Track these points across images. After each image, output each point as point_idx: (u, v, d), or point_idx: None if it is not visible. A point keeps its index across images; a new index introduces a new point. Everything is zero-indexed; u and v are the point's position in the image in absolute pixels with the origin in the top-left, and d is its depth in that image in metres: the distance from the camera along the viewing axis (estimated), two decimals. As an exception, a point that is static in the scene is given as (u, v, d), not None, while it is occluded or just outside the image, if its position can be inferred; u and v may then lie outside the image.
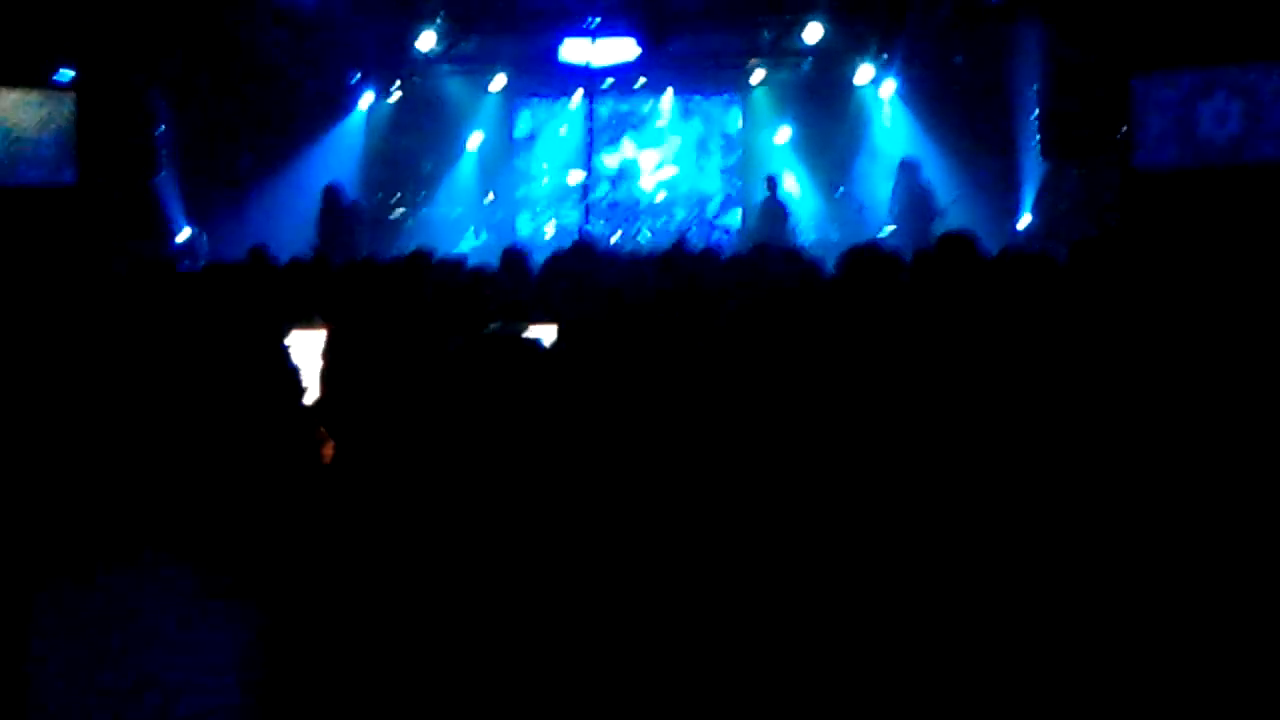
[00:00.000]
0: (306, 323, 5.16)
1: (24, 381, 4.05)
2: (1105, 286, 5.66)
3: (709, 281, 7.58)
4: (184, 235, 16.81)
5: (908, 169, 16.99)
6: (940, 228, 15.41)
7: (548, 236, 20.38)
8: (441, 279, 8.50)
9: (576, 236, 16.47)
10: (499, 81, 20.25)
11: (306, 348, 4.89)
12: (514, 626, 2.44)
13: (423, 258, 9.45)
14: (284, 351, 3.72)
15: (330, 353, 3.70)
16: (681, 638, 2.61)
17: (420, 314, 3.94)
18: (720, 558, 2.89)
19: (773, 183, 17.82)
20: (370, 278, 3.81)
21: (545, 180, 21.31)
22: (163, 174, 16.72)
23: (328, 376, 3.67)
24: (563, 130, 21.20)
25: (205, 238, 16.98)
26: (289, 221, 16.72)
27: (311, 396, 4.11)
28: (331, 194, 16.86)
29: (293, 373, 3.26)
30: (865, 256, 7.45)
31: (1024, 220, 17.00)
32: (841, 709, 2.78)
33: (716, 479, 3.04)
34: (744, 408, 3.69)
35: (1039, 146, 16.88)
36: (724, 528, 2.99)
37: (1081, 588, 3.22)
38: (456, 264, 9.65)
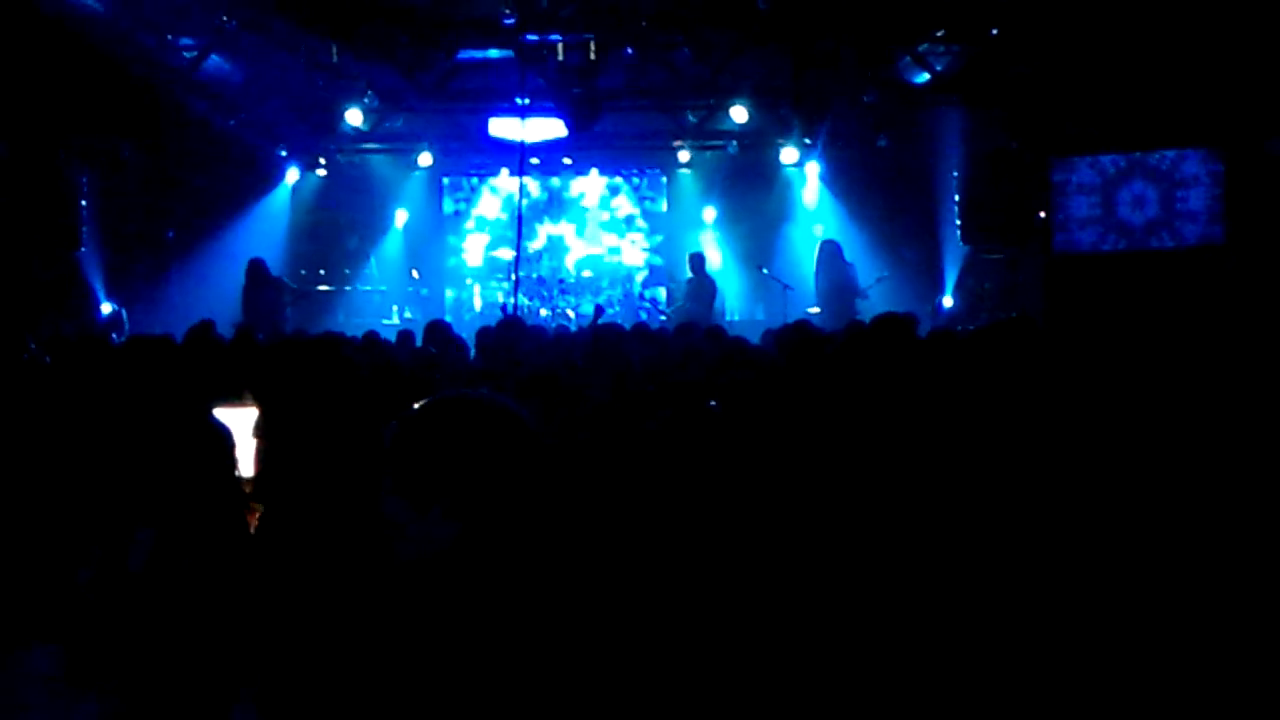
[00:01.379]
0: (234, 399, 5.11)
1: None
2: (1024, 365, 5.73)
3: (639, 357, 7.62)
4: (107, 309, 16.60)
5: (828, 250, 17.14)
6: (864, 308, 15.60)
7: (476, 310, 20.44)
8: (377, 355, 8.49)
9: (502, 312, 16.46)
10: (425, 158, 20.30)
11: (234, 424, 4.84)
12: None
13: (368, 338, 9.45)
14: (213, 423, 3.69)
15: (265, 429, 3.66)
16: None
17: (355, 390, 3.92)
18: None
19: (698, 260, 17.90)
20: (304, 354, 3.79)
21: (472, 256, 21.34)
22: (84, 248, 16.50)
23: (263, 454, 3.63)
24: (491, 208, 21.29)
25: (125, 313, 16.78)
26: (212, 296, 16.58)
27: (244, 471, 4.08)
28: (255, 269, 16.74)
29: (224, 442, 3.22)
30: (800, 336, 7.54)
31: (946, 301, 17.21)
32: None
33: (664, 551, 3.04)
34: (695, 485, 3.70)
35: (959, 230, 17.13)
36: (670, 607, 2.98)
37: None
38: (404, 338, 9.66)
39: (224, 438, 3.19)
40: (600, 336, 7.96)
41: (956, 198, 17.22)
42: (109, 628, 2.69)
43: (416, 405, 2.57)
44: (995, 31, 15.09)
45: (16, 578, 2.82)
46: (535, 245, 21.05)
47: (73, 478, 3.16)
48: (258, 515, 3.94)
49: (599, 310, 15.46)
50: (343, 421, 3.56)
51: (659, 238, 21.40)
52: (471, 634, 2.35)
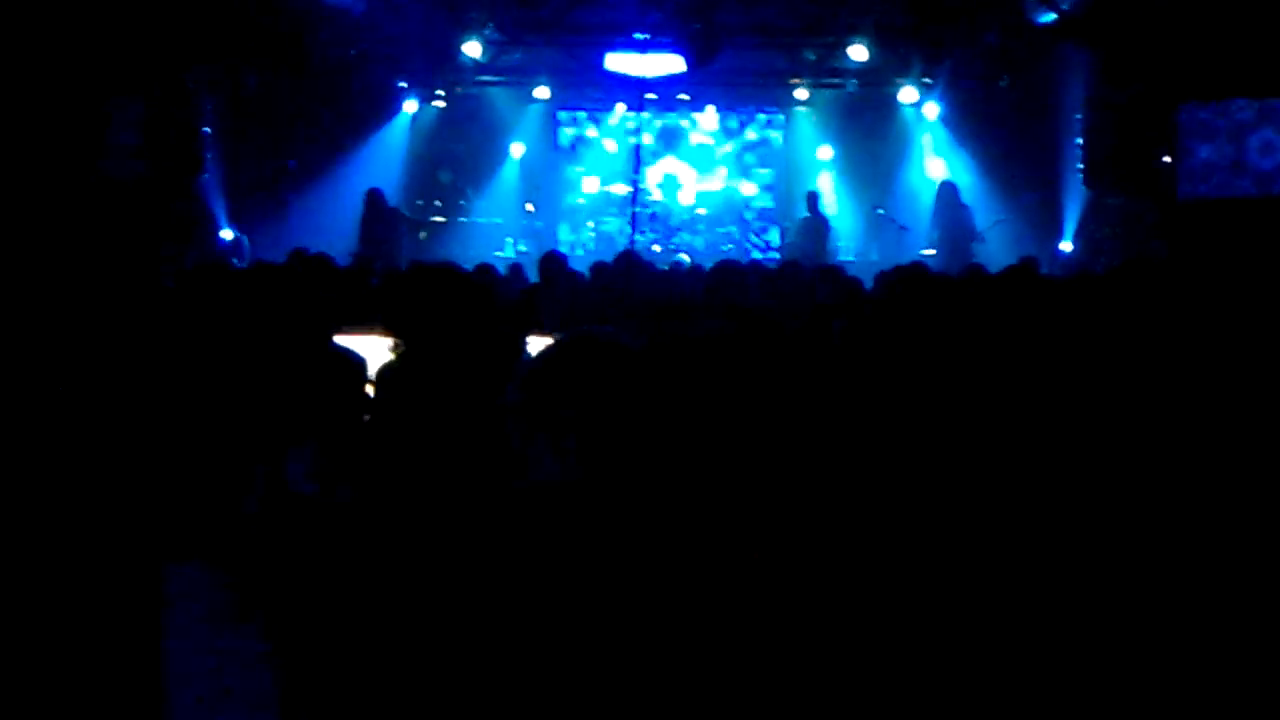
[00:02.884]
0: (355, 327, 5.18)
1: (80, 373, 4.09)
2: (1146, 310, 5.65)
3: (753, 297, 7.62)
4: (227, 235, 16.82)
5: (946, 192, 16.97)
6: (980, 251, 15.43)
7: (589, 246, 20.47)
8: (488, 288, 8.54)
9: (619, 247, 16.47)
10: (542, 92, 20.32)
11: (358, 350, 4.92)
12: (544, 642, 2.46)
13: (484, 271, 9.51)
14: (340, 349, 3.75)
15: (395, 358, 3.73)
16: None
17: (485, 319, 3.97)
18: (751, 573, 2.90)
19: (813, 199, 17.82)
20: (433, 284, 3.83)
21: (587, 191, 21.37)
22: (207, 175, 16.69)
23: (386, 380, 3.71)
24: (606, 142, 21.29)
25: (247, 240, 16.97)
26: (331, 226, 16.77)
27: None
28: (373, 199, 16.90)
29: (356, 368, 3.29)
30: (909, 277, 7.48)
31: (1065, 246, 16.96)
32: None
33: (758, 491, 3.06)
34: (792, 425, 3.71)
35: (1081, 174, 16.85)
36: (760, 540, 3.00)
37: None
38: (515, 271, 9.72)
39: (356, 364, 3.25)
40: (718, 274, 7.95)
41: (1079, 142, 16.92)
42: (272, 554, 2.77)
43: (551, 343, 2.66)
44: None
45: (175, 498, 2.90)
46: (650, 181, 21.01)
47: (211, 401, 3.24)
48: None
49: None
50: (471, 349, 3.62)
51: (775, 175, 21.29)
52: (593, 560, 2.41)
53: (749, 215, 21.24)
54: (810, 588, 2.82)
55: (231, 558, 2.84)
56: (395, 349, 3.58)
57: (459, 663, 2.47)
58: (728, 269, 8.00)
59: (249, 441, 3.02)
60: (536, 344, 4.37)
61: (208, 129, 16.58)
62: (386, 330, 3.62)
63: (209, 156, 16.60)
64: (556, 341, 2.66)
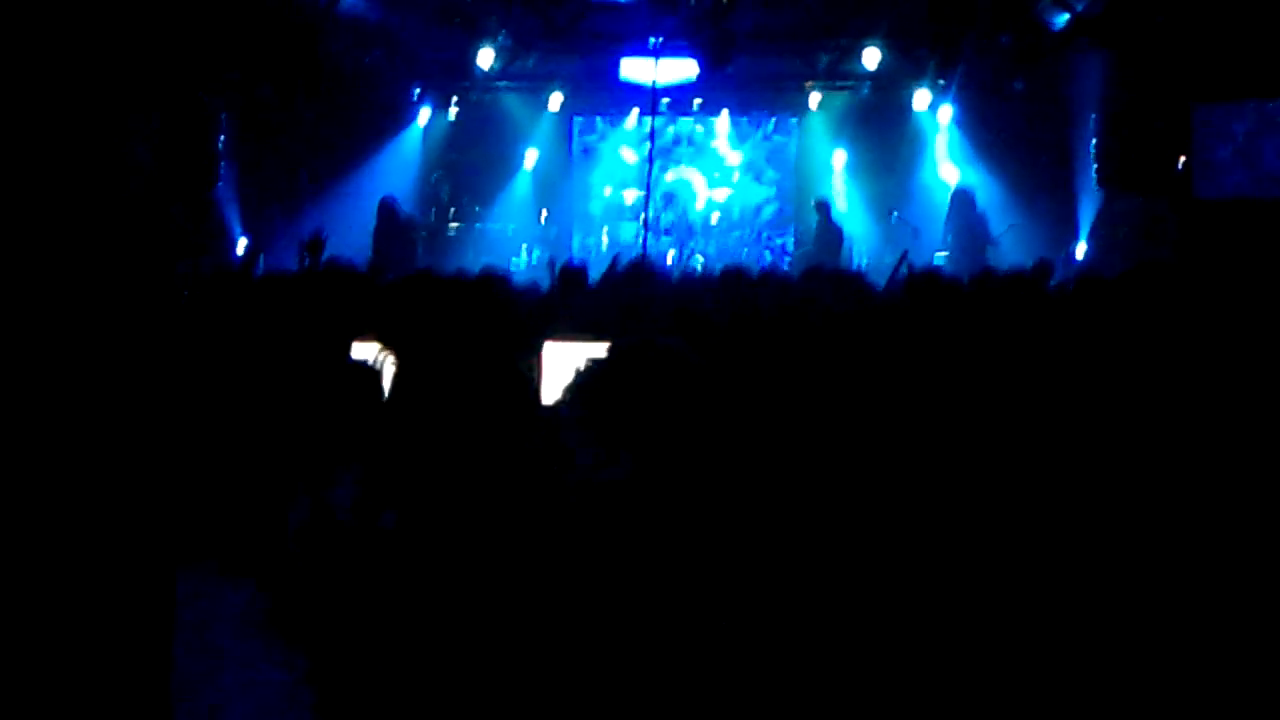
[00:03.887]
0: (368, 335, 5.18)
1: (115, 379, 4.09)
2: (1160, 312, 5.64)
3: (768, 303, 7.61)
4: (241, 246, 16.83)
5: (961, 197, 16.95)
6: (994, 255, 15.40)
7: (603, 250, 20.46)
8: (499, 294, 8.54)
9: (632, 254, 16.48)
10: (556, 99, 20.36)
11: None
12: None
13: (493, 276, 9.49)
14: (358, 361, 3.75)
15: (401, 367, 3.71)
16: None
17: (484, 329, 3.97)
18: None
19: (825, 206, 17.81)
20: (441, 292, 3.83)
21: (601, 198, 21.38)
22: (221, 184, 16.68)
23: (398, 390, 3.69)
24: (621, 149, 21.30)
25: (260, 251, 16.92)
26: (344, 235, 16.74)
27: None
28: (387, 208, 16.92)
29: (375, 378, 3.29)
30: (925, 282, 7.48)
31: (1080, 249, 16.91)
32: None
33: (808, 494, 3.07)
34: (808, 429, 3.71)
35: (1095, 175, 16.80)
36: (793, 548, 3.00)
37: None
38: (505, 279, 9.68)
39: (374, 375, 3.25)
40: (728, 280, 7.96)
41: (1093, 143, 16.87)
42: (312, 576, 2.76)
43: (608, 350, 2.68)
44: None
45: (198, 508, 2.89)
46: (664, 188, 21.01)
47: (232, 412, 3.23)
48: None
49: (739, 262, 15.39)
50: (474, 355, 3.62)
51: (788, 180, 21.27)
52: (642, 561, 2.42)
53: (763, 220, 21.23)
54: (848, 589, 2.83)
55: (271, 577, 2.83)
56: (400, 359, 3.58)
57: (506, 682, 2.47)
58: (734, 275, 8.00)
59: (276, 454, 3.02)
60: (554, 348, 4.38)
61: (222, 139, 16.59)
62: (383, 342, 3.62)
63: (223, 167, 16.62)
64: (613, 348, 2.68)
